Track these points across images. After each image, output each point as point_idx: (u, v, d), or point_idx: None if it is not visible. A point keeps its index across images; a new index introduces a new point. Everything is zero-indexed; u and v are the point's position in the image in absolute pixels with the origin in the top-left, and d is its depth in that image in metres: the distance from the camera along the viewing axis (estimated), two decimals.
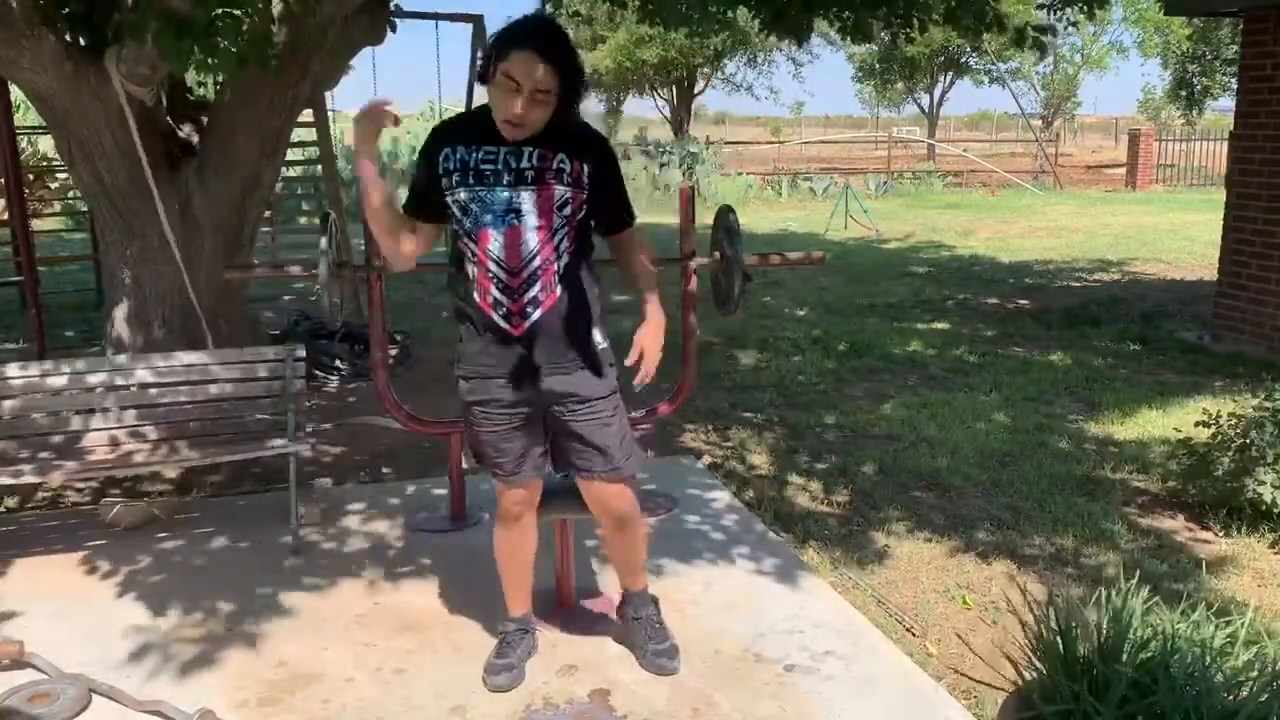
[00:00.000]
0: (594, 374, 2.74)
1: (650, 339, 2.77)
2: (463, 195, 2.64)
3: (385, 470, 4.82)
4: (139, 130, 4.46)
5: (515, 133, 2.57)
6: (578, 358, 2.72)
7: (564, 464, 2.86)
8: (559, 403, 2.73)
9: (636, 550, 3.00)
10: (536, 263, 2.64)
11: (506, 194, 2.62)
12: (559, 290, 2.67)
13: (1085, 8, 5.89)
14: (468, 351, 2.76)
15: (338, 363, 6.41)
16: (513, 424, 2.76)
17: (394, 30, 6.08)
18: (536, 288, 2.64)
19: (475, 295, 2.68)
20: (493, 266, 2.64)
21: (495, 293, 2.65)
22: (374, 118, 2.53)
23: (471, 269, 2.67)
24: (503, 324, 2.66)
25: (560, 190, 2.64)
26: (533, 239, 2.63)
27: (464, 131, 2.69)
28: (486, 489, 4.34)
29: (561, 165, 2.64)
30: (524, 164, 2.62)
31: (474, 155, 2.64)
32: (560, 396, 2.72)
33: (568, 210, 2.66)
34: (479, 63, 2.64)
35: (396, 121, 2.52)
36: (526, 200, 2.62)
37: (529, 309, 2.65)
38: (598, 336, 2.77)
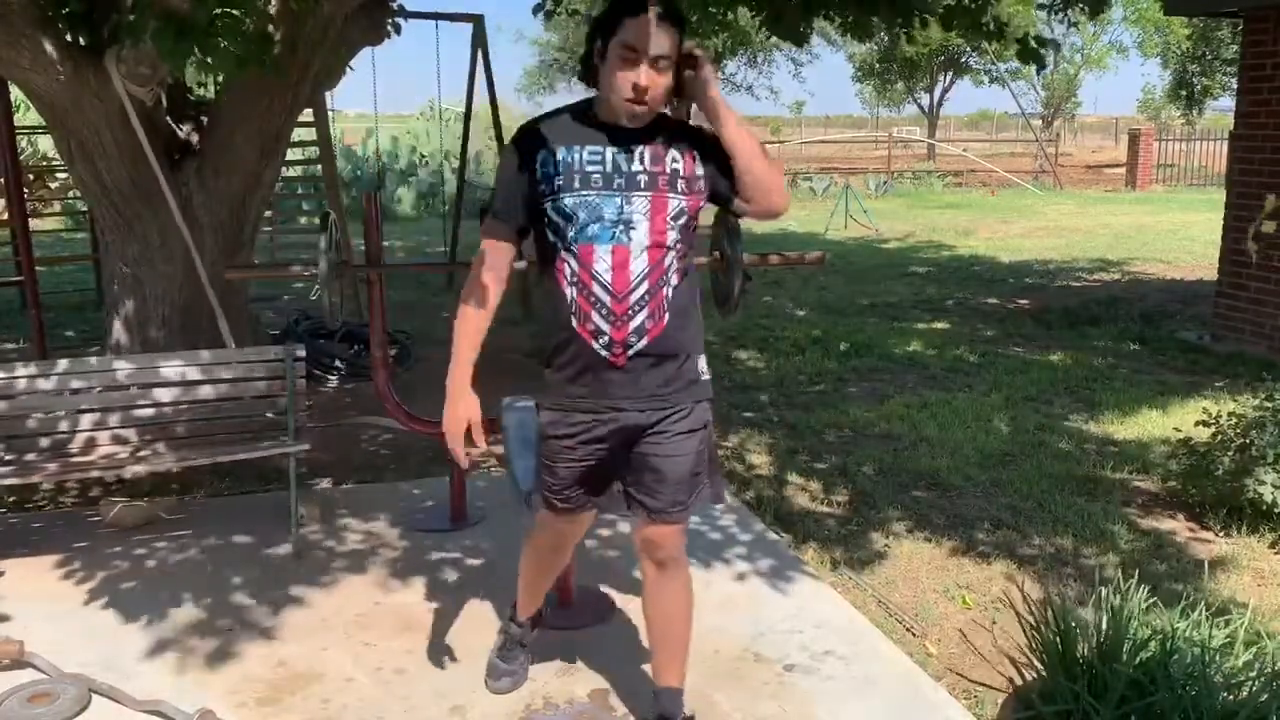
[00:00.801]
0: (691, 409, 2.44)
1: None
2: (568, 202, 2.33)
3: (385, 470, 4.82)
4: (143, 130, 4.46)
5: (639, 115, 2.30)
6: (677, 390, 2.42)
7: (628, 498, 2.52)
8: (646, 436, 2.43)
9: (673, 611, 2.58)
10: (645, 287, 2.34)
11: (617, 201, 2.32)
12: (667, 318, 2.37)
13: (1086, 7, 5.88)
14: (555, 380, 2.45)
15: (337, 363, 6.41)
16: (592, 460, 2.46)
17: (398, 33, 6.08)
18: (643, 315, 2.35)
19: (574, 320, 2.37)
20: (597, 289, 2.34)
21: (597, 319, 2.35)
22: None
23: (570, 290, 2.36)
24: (603, 353, 2.36)
25: (675, 201, 2.35)
26: (643, 260, 2.34)
27: (562, 130, 2.38)
28: (487, 489, 4.35)
29: (675, 165, 2.36)
30: (635, 166, 2.33)
31: (578, 156, 2.34)
32: (649, 430, 2.42)
33: (682, 221, 2.37)
34: (586, 53, 2.37)
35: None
36: (638, 211, 2.33)
37: (633, 339, 2.35)
38: (701, 366, 2.48)
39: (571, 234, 2.34)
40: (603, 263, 2.33)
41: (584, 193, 2.33)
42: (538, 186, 2.36)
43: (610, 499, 2.54)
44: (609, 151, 2.34)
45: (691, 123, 2.42)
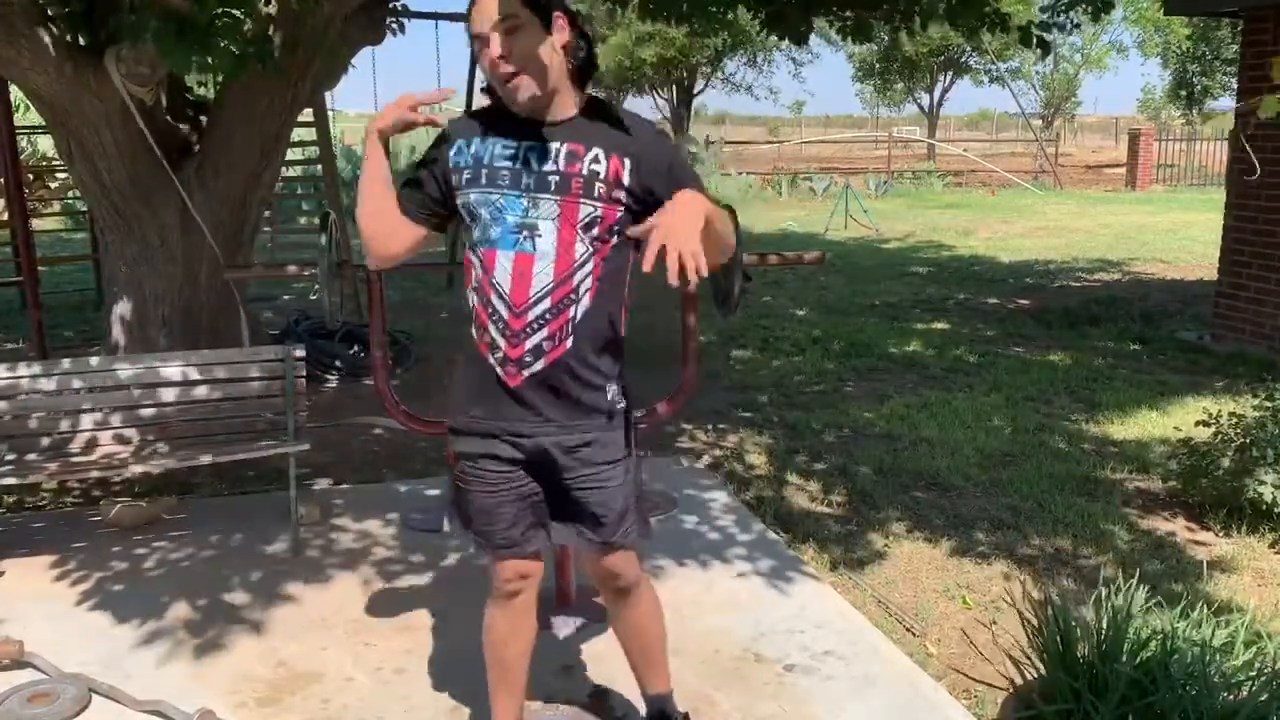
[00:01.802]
0: (603, 439, 2.24)
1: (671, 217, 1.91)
2: (472, 197, 2.15)
3: (384, 470, 4.82)
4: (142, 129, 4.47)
5: (523, 100, 2.08)
6: (585, 420, 2.22)
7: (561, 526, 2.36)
8: (563, 467, 2.24)
9: (646, 630, 2.51)
10: (546, 304, 2.12)
11: (522, 203, 2.11)
12: (570, 342, 2.15)
13: (1089, 9, 5.89)
14: (458, 396, 2.27)
15: (337, 363, 6.41)
16: (509, 485, 2.26)
17: (402, 31, 6.09)
18: (541, 334, 2.14)
19: (472, 330, 2.21)
20: (494, 299, 2.14)
21: (494, 333, 2.16)
22: (401, 117, 2.15)
23: (471, 296, 2.19)
24: (497, 370, 2.17)
25: (587, 207, 2.10)
26: (547, 273, 2.11)
27: (485, 121, 2.18)
28: None
29: (595, 166, 2.10)
30: (548, 166, 2.10)
31: (490, 149, 2.14)
32: (560, 460, 2.23)
33: (595, 232, 2.12)
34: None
35: (422, 122, 2.16)
36: (546, 215, 2.10)
37: (528, 358, 2.15)
38: (613, 393, 2.25)
39: (476, 234, 2.16)
40: (503, 271, 2.12)
41: (489, 190, 2.13)
42: (450, 178, 2.19)
43: (546, 534, 2.35)
44: (523, 147, 2.12)
45: (648, 125, 2.16)
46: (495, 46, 2.03)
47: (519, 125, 2.14)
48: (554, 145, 2.12)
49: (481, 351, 2.19)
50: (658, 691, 2.59)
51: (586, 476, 2.24)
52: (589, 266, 2.14)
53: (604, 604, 2.55)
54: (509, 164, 2.13)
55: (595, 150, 2.11)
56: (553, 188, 2.10)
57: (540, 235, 2.11)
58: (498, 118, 2.18)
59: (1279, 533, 3.96)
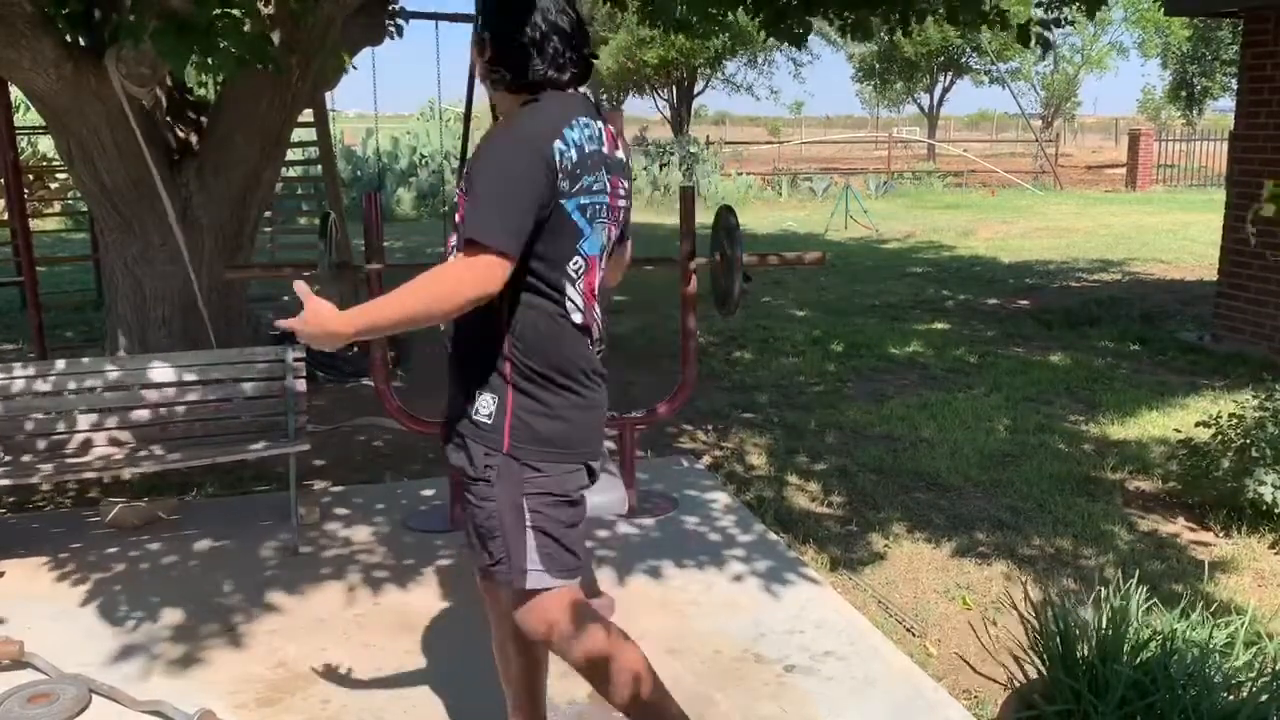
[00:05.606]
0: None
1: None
2: (584, 200, 2.02)
3: (384, 470, 4.82)
4: (141, 130, 4.47)
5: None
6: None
7: None
8: None
9: (527, 686, 2.40)
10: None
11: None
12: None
13: (1084, 6, 5.90)
14: (559, 426, 2.06)
15: (337, 363, 6.41)
16: None
17: (400, 35, 6.09)
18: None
19: (583, 345, 2.10)
20: (596, 305, 2.14)
21: (596, 336, 2.16)
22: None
23: (577, 314, 2.08)
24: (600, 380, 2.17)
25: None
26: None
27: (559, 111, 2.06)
28: None
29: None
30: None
31: (582, 134, 2.03)
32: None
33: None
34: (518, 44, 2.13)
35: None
36: None
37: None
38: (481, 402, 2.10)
39: (586, 244, 2.07)
40: (597, 274, 2.19)
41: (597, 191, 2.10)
42: (558, 187, 1.98)
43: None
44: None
45: (505, 130, 2.02)
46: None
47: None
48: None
49: (595, 363, 2.16)
50: None
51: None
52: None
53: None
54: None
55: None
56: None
57: None
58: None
59: (1279, 533, 3.97)
